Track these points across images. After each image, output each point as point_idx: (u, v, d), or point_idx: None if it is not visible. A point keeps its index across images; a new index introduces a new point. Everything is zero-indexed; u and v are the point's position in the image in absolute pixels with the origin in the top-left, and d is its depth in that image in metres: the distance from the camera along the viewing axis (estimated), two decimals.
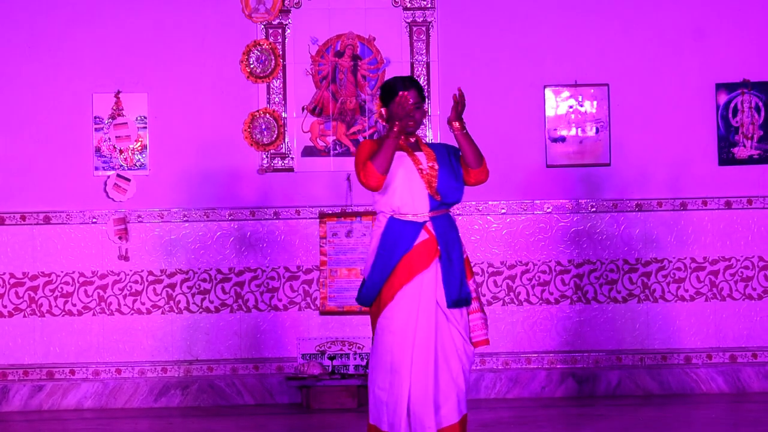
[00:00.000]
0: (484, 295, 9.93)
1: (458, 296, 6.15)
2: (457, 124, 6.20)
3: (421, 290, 6.15)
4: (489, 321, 6.41)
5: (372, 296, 6.24)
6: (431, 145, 6.37)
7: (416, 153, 6.27)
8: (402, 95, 6.09)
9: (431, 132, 9.92)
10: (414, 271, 6.15)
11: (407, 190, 6.20)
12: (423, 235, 6.18)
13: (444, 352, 6.16)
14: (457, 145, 6.32)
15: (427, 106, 6.19)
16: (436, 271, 6.17)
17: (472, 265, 6.51)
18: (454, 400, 6.16)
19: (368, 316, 9.59)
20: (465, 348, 6.21)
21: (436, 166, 6.23)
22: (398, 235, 6.19)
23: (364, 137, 9.91)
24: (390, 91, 6.26)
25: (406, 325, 6.13)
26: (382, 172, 6.10)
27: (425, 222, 6.20)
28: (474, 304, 6.25)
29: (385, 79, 9.86)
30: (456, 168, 6.28)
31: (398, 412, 6.11)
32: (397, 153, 6.21)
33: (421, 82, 9.99)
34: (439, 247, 6.17)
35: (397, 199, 6.21)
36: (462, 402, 6.20)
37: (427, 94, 9.97)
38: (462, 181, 6.29)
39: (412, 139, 6.33)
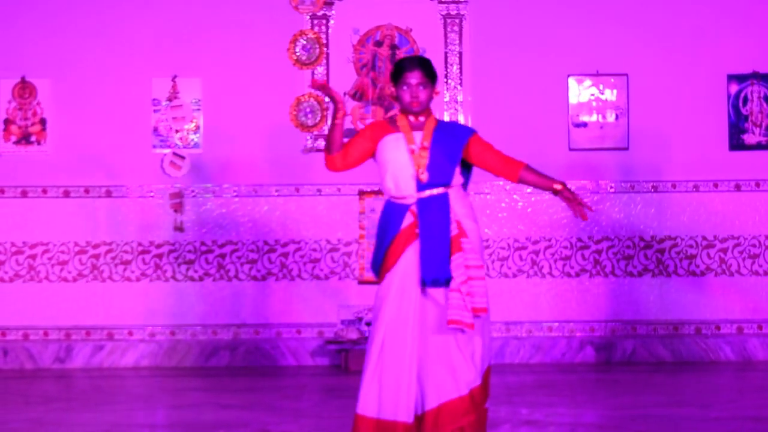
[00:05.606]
0: (509, 268, 10.09)
1: (434, 276, 5.82)
2: (559, 187, 5.93)
3: (402, 272, 5.89)
4: (486, 296, 5.89)
5: (376, 273, 6.04)
6: (439, 124, 6.02)
7: (414, 132, 5.98)
8: (320, 83, 6.01)
9: (462, 117, 10.05)
10: (397, 255, 5.91)
11: (395, 173, 5.94)
12: (408, 219, 5.92)
13: (430, 332, 5.85)
14: (472, 130, 6.03)
15: (442, 86, 6.02)
16: (415, 252, 5.88)
17: (485, 242, 6.12)
18: (447, 378, 5.82)
19: None
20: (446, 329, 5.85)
21: (428, 146, 5.92)
22: (388, 218, 5.97)
23: None
24: (396, 70, 5.99)
25: (390, 308, 5.86)
26: (329, 151, 5.98)
27: (411, 205, 5.93)
28: (452, 283, 5.82)
29: None
30: (453, 149, 5.95)
31: (389, 396, 5.84)
32: (394, 134, 5.97)
33: (453, 71, 10.02)
34: (417, 230, 5.89)
35: (388, 182, 5.97)
36: (459, 380, 5.83)
37: (459, 81, 10.07)
38: (456, 161, 5.96)
39: (422, 118, 5.99)
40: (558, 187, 5.92)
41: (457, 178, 6.04)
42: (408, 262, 5.90)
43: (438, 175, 5.92)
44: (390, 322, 5.86)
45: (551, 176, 6.02)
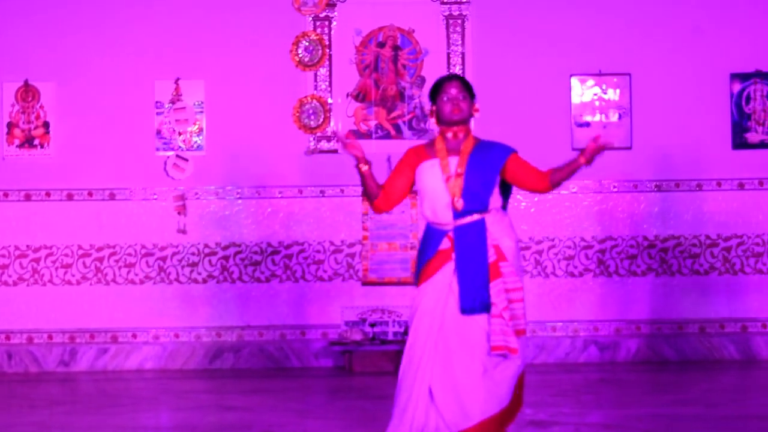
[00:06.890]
0: None
1: (472, 304, 5.84)
2: (582, 160, 5.85)
3: (435, 287, 5.93)
4: (524, 317, 5.96)
5: (415, 282, 6.09)
6: (477, 146, 6.00)
7: (450, 157, 5.97)
8: (348, 141, 6.02)
9: None
10: (433, 271, 5.94)
11: (431, 200, 5.97)
12: (445, 243, 5.93)
13: (450, 354, 5.86)
14: (511, 149, 5.99)
15: (477, 102, 6.13)
16: (450, 276, 5.91)
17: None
18: (456, 405, 5.83)
19: (405, 287, 9.83)
20: (484, 351, 5.86)
21: (463, 172, 5.92)
22: (428, 241, 6.00)
23: (404, 122, 10.19)
24: (435, 87, 6.05)
25: (419, 322, 5.92)
26: (370, 199, 6.07)
27: (448, 231, 5.93)
28: (494, 309, 5.84)
29: (423, 68, 10.21)
30: (489, 174, 5.94)
31: (397, 415, 5.93)
32: (430, 161, 5.98)
33: (456, 71, 10.11)
34: (453, 255, 5.91)
35: (426, 209, 6.02)
36: (471, 409, 5.83)
37: None
38: (492, 187, 5.94)
39: (461, 134, 6.01)
40: (583, 161, 5.87)
41: (495, 201, 6.02)
42: (443, 278, 5.93)
43: (473, 201, 5.92)
44: (412, 345, 5.92)
45: (570, 161, 5.95)
